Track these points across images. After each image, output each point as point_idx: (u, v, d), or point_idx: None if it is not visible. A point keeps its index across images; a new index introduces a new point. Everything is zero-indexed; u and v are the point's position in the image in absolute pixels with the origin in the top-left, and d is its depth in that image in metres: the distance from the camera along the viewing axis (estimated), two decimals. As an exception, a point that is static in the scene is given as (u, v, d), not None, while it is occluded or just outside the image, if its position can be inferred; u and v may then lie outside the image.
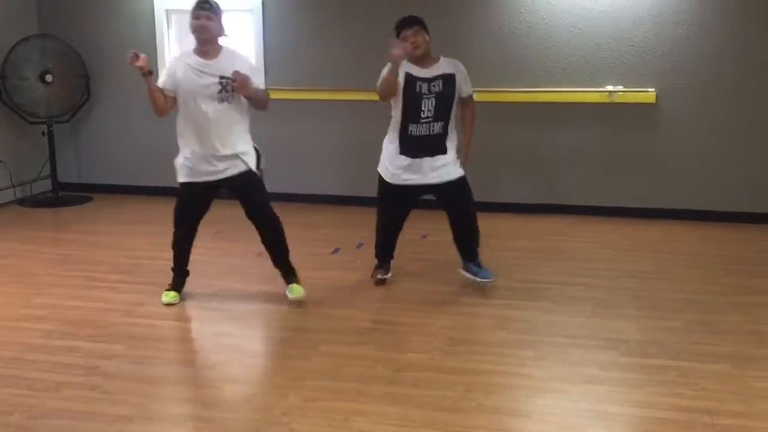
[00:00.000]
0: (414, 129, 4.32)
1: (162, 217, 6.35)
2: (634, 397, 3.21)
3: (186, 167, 4.16)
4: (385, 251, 4.73)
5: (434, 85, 4.28)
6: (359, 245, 5.51)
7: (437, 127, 4.32)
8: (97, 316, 4.14)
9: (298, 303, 4.28)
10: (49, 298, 4.43)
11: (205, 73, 4.02)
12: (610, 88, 6.24)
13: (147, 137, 6.93)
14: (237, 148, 4.14)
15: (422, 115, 4.28)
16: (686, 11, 6.04)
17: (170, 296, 4.33)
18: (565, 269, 4.98)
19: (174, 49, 6.97)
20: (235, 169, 4.15)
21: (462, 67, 4.44)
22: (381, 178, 4.50)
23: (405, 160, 4.36)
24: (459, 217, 4.51)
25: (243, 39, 6.87)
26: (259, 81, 4.24)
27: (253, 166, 4.20)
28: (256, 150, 4.28)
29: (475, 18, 6.40)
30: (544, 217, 6.35)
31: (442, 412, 3.06)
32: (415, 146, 4.33)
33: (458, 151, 4.49)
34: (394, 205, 4.57)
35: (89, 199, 7.05)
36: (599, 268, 4.99)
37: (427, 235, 5.72)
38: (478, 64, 6.49)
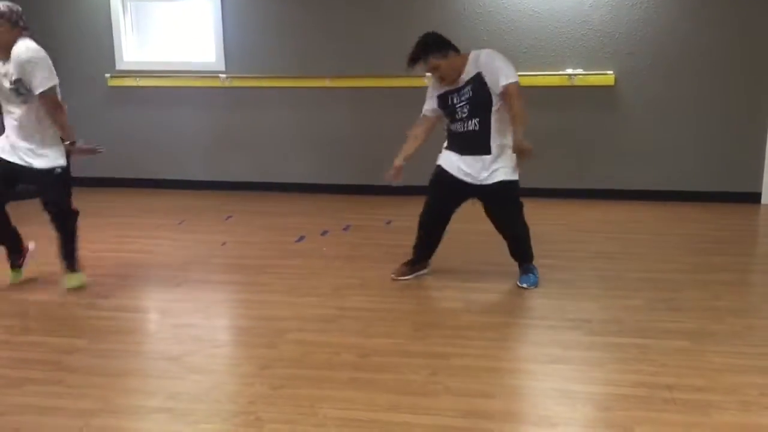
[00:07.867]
0: (453, 127, 4.30)
1: (122, 209, 6.32)
2: (596, 375, 3.26)
3: None
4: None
5: (464, 93, 4.19)
6: (324, 233, 5.51)
7: (471, 125, 4.21)
8: (59, 310, 4.09)
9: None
10: (9, 293, 4.35)
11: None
12: (570, 71, 6.30)
13: (102, 126, 6.83)
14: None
15: (457, 117, 4.24)
16: (643, -6, 6.12)
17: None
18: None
19: (132, 38, 6.87)
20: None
21: (485, 58, 4.15)
22: (438, 167, 4.36)
23: (453, 155, 4.31)
24: (498, 221, 4.41)
25: (202, 26, 6.79)
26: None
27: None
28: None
29: (436, 2, 6.40)
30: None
31: (409, 395, 3.08)
32: (457, 143, 4.30)
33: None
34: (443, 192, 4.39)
35: (48, 193, 6.91)
36: (563, 250, 5.04)
37: (391, 221, 5.73)
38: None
